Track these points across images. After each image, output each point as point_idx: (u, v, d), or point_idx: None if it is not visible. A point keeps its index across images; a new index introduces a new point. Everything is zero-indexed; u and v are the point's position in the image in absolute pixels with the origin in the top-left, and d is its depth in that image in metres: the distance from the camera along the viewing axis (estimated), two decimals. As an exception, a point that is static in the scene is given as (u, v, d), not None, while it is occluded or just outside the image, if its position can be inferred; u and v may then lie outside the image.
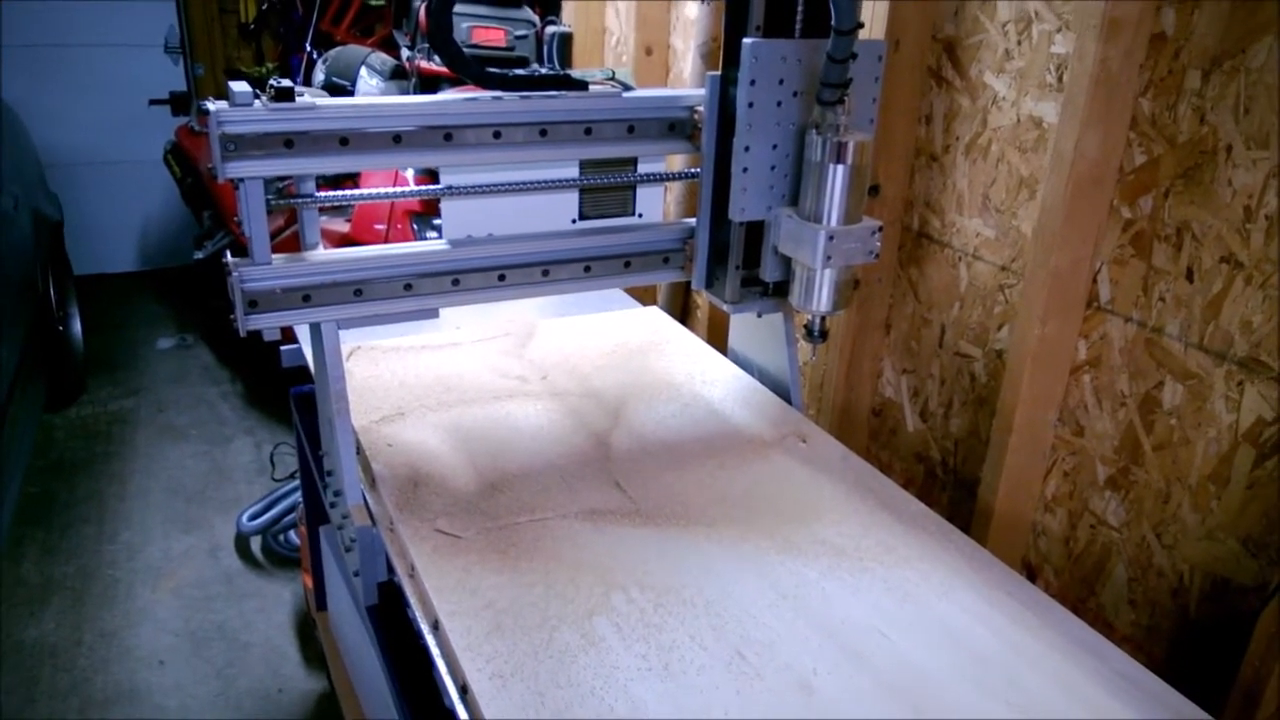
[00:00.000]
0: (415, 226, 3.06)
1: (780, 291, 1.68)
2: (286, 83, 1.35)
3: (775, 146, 1.55)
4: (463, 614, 1.23)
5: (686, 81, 2.67)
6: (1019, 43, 1.73)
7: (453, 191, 1.56)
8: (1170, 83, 1.49)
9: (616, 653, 1.17)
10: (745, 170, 1.54)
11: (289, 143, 1.37)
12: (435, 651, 1.22)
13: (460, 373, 1.89)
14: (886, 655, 1.20)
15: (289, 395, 2.12)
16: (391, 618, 1.47)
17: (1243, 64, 1.39)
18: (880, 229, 1.51)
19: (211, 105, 1.33)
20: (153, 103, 5.24)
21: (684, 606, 1.26)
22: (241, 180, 1.36)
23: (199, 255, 4.46)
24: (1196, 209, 1.48)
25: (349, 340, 1.91)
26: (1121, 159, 1.58)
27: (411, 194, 1.64)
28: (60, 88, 5.49)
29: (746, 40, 1.47)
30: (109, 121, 5.66)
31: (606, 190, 1.70)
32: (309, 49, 4.82)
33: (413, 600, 1.31)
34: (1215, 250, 1.46)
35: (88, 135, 5.63)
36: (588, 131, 1.56)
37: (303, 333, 1.91)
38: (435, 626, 1.24)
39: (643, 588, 1.29)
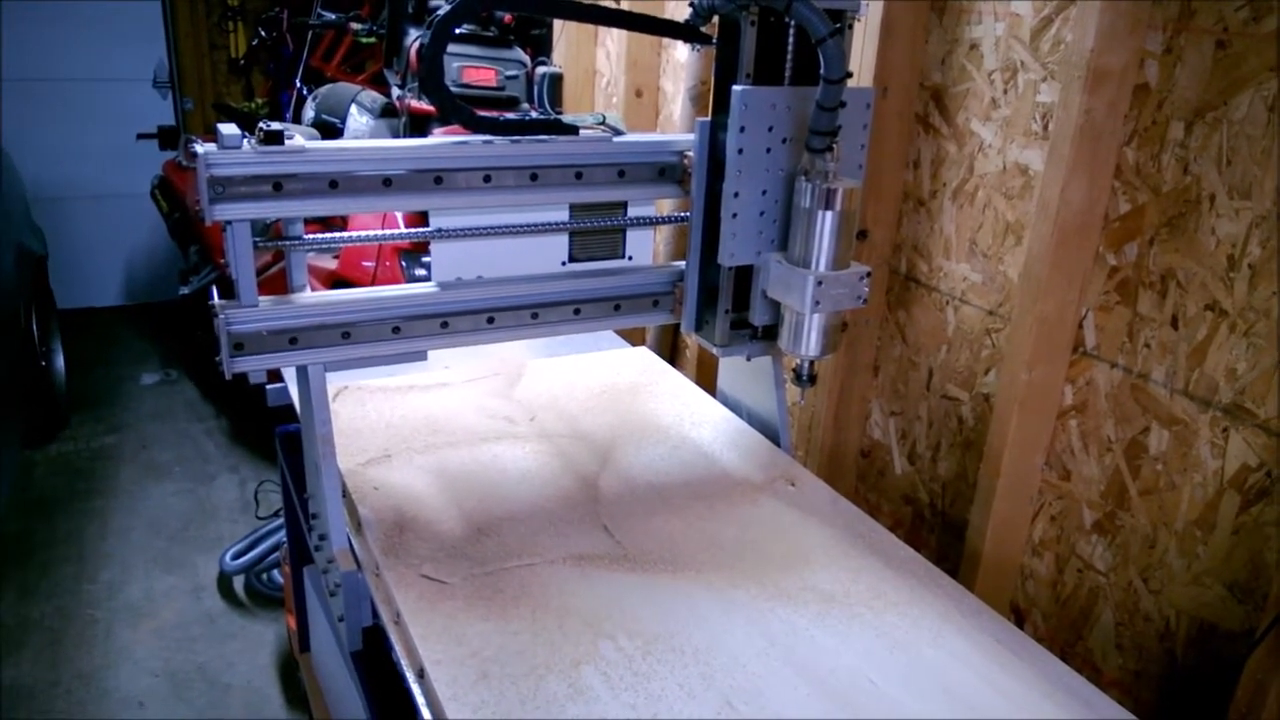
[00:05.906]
0: (404, 264, 3.05)
1: (769, 335, 1.68)
2: (275, 126, 1.35)
3: (764, 192, 1.56)
4: (448, 662, 1.21)
5: (676, 123, 2.69)
6: (1005, 91, 1.75)
7: (442, 234, 1.56)
8: (1154, 133, 1.51)
9: (604, 702, 1.16)
10: (734, 215, 1.55)
11: (277, 186, 1.37)
12: (420, 700, 1.21)
13: (448, 414, 1.88)
14: (876, 703, 1.19)
15: (274, 434, 2.11)
16: (376, 663, 1.45)
17: (1225, 115, 1.41)
18: (869, 274, 1.52)
19: (199, 148, 1.32)
20: (140, 137, 5.24)
21: (673, 654, 1.25)
22: (229, 223, 1.36)
23: (185, 290, 4.44)
24: (1181, 257, 1.50)
25: (335, 380, 1.90)
26: (1106, 207, 1.59)
27: (400, 237, 1.64)
28: (47, 122, 5.50)
29: (736, 88, 1.48)
30: (96, 155, 5.66)
31: (597, 233, 1.71)
32: (299, 85, 4.84)
33: (398, 647, 1.29)
34: (1200, 298, 1.48)
35: (74, 169, 5.63)
36: (578, 176, 1.57)
37: (288, 372, 1.90)
38: (420, 675, 1.23)
39: (631, 635, 1.28)
